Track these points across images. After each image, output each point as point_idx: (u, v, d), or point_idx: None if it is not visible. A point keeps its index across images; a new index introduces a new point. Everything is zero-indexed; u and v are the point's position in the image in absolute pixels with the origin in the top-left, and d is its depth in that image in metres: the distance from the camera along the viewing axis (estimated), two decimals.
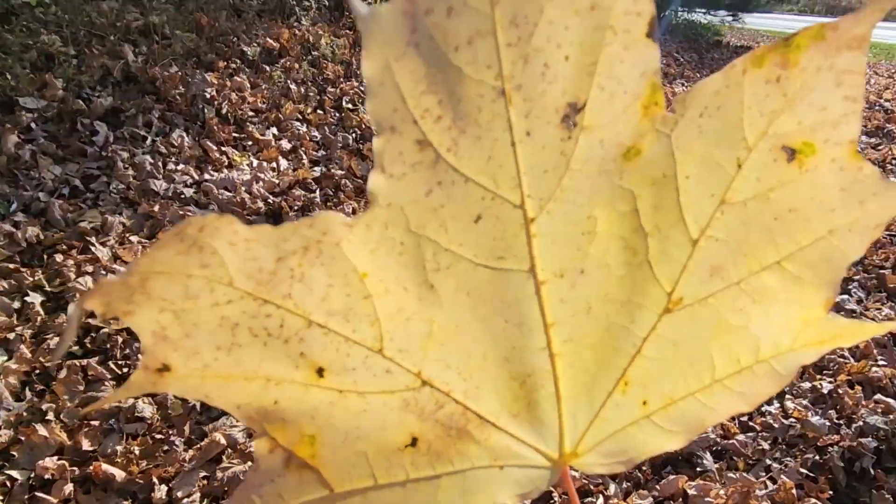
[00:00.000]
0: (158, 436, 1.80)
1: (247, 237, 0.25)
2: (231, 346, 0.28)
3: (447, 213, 0.27)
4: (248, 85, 3.61)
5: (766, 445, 1.90)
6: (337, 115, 3.74)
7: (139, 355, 1.91)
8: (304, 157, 3.23)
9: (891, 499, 1.70)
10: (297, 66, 3.94)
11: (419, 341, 0.30)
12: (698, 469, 1.80)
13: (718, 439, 1.91)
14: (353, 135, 3.54)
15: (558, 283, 0.31)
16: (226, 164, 3.03)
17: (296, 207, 2.82)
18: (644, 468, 1.80)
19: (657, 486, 1.73)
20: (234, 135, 3.26)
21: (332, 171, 3.13)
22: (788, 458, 1.86)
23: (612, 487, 1.73)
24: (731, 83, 0.29)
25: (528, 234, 0.29)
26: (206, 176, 2.92)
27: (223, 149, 3.10)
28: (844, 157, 0.30)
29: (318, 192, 2.97)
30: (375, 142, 0.25)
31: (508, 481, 0.33)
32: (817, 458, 1.85)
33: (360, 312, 0.29)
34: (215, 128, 3.19)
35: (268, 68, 3.85)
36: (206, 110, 3.26)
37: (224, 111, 3.31)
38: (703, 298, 0.32)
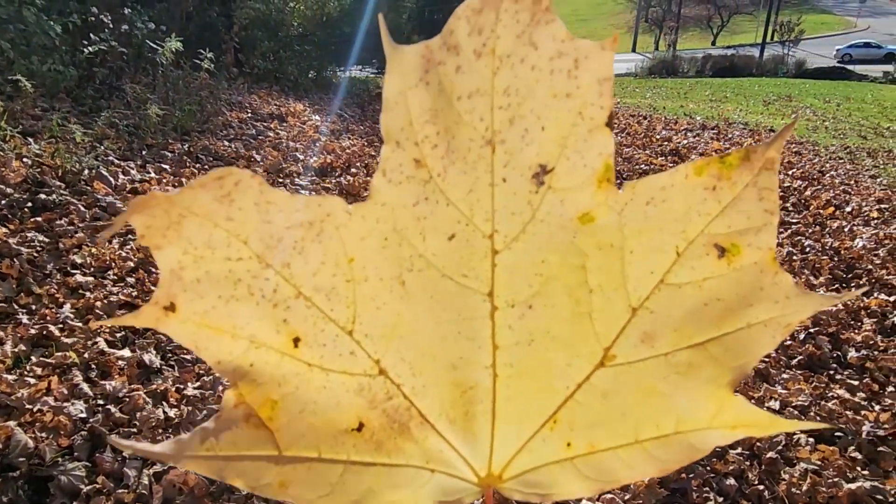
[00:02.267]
0: None
1: (269, 199, 0.32)
2: (230, 298, 0.34)
3: (428, 225, 0.34)
4: None
5: None
6: None
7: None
8: None
9: None
10: None
11: (384, 329, 0.35)
12: None
13: None
14: None
15: (509, 311, 0.36)
16: None
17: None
18: None
19: None
20: None
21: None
22: None
23: None
24: (675, 183, 0.36)
25: (492, 263, 0.35)
26: None
27: None
28: (764, 261, 0.36)
29: None
30: (383, 149, 0.32)
31: (435, 487, 0.37)
32: None
33: (342, 293, 0.35)
34: None
35: None
36: None
37: None
38: (633, 361, 0.37)
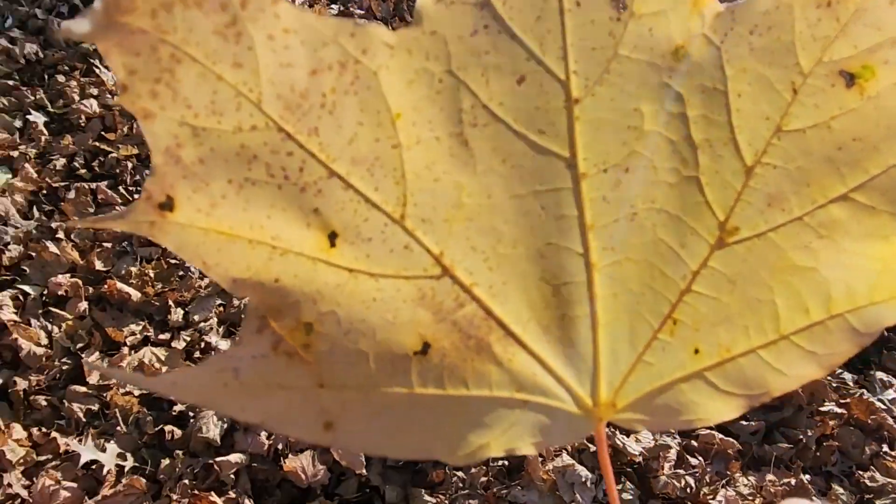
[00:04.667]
0: (173, 261, 1.72)
1: (286, 25, 0.24)
2: (244, 182, 0.26)
3: (491, 62, 0.27)
4: None
5: None
6: None
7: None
8: None
9: None
10: None
11: (445, 211, 0.27)
12: None
13: None
14: None
15: (601, 178, 0.28)
16: None
17: None
18: None
19: None
20: None
21: (352, 9, 2.64)
22: None
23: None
24: (780, 4, 0.29)
25: (572, 115, 0.28)
26: None
27: None
28: None
29: None
30: None
31: (530, 424, 0.28)
32: None
33: (387, 165, 0.27)
34: None
35: None
36: None
37: None
38: (762, 232, 0.29)
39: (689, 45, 0.29)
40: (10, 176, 1.93)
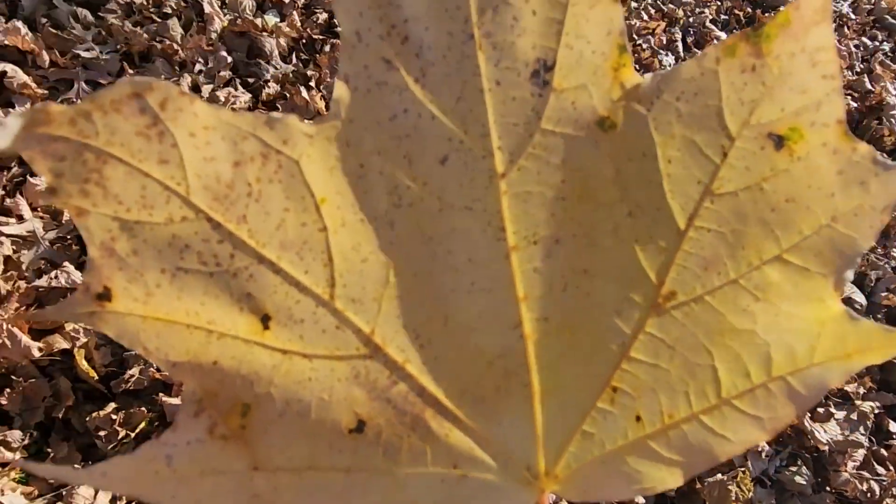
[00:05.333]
0: None
1: (206, 123, 0.25)
2: (177, 271, 0.27)
3: (412, 146, 0.27)
4: None
5: None
6: None
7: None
8: None
9: None
10: None
11: (374, 290, 0.27)
12: None
13: None
14: None
15: (531, 250, 0.29)
16: None
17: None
18: None
19: None
20: None
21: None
22: None
23: None
24: (705, 70, 0.30)
25: (498, 190, 0.28)
26: None
27: None
28: (835, 139, 0.28)
29: None
30: (341, 45, 0.26)
31: (469, 498, 0.28)
32: None
33: (315, 248, 0.27)
34: None
35: None
36: None
37: None
38: (699, 296, 0.29)
39: (614, 116, 0.29)
40: (278, 20, 2.11)
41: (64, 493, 1.14)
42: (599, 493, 0.28)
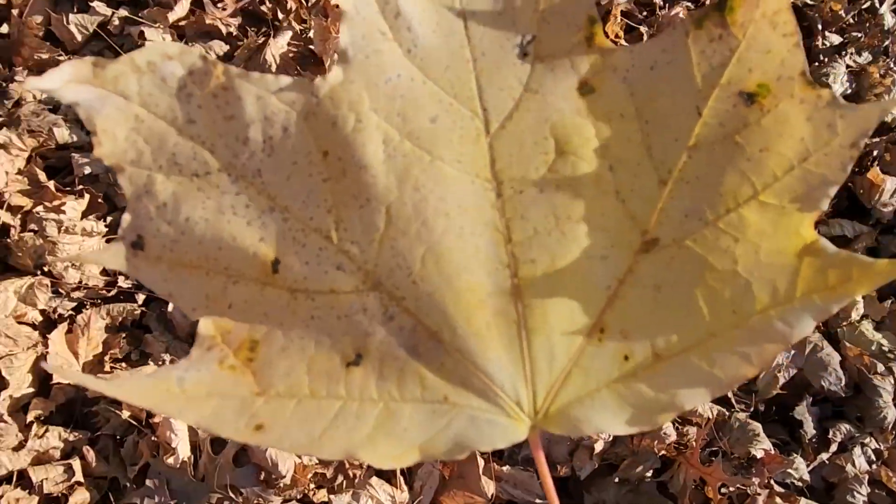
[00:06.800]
0: None
1: (227, 85, 0.29)
2: (199, 220, 0.30)
3: (405, 105, 0.31)
4: None
5: None
6: None
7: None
8: None
9: None
10: None
11: (373, 233, 0.30)
12: None
13: None
14: None
15: (518, 198, 0.31)
16: None
17: None
18: None
19: None
20: None
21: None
22: None
23: None
24: (676, 42, 0.32)
25: (488, 144, 0.31)
26: None
27: None
28: (800, 90, 0.30)
29: None
30: (342, 18, 0.30)
31: (460, 429, 0.28)
32: None
33: (319, 195, 0.30)
34: None
35: None
36: None
37: None
38: (680, 239, 0.31)
39: (593, 81, 0.32)
40: None
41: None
42: (588, 427, 0.29)
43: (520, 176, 0.31)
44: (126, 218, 0.31)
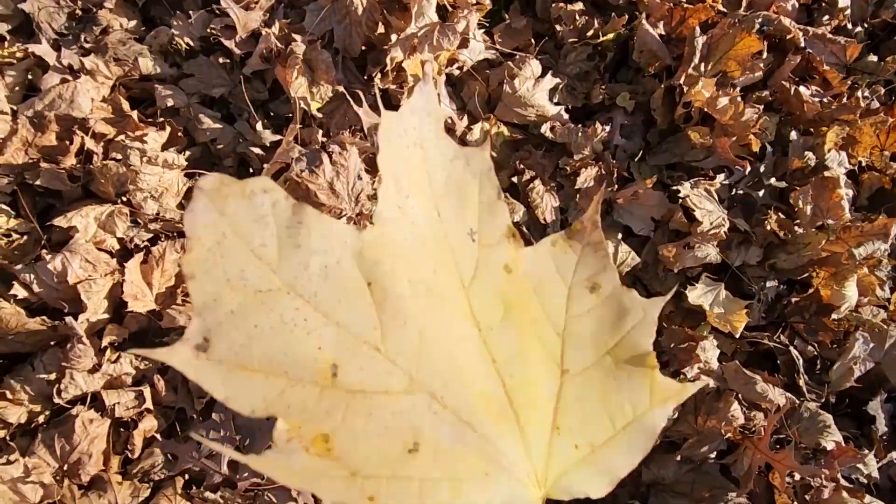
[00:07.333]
0: None
1: (299, 219, 0.36)
2: (264, 329, 0.34)
3: (417, 258, 0.41)
4: None
5: None
6: None
7: None
8: None
9: None
10: None
11: (411, 346, 0.37)
12: None
13: None
14: None
15: (490, 332, 0.42)
16: None
17: None
18: None
19: None
20: None
21: None
22: None
23: None
24: (545, 250, 0.50)
25: (466, 293, 0.43)
26: None
27: None
28: (617, 289, 0.50)
29: None
30: (380, 185, 0.40)
31: (499, 495, 0.35)
32: None
33: (366, 315, 0.37)
34: None
35: None
36: None
37: None
38: (582, 370, 0.45)
39: (512, 265, 0.47)
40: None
41: None
42: (577, 492, 0.38)
43: (488, 317, 0.43)
44: (194, 322, 0.32)
